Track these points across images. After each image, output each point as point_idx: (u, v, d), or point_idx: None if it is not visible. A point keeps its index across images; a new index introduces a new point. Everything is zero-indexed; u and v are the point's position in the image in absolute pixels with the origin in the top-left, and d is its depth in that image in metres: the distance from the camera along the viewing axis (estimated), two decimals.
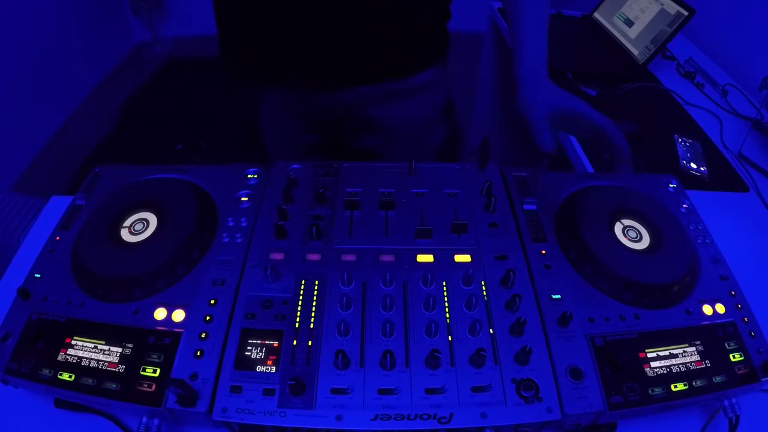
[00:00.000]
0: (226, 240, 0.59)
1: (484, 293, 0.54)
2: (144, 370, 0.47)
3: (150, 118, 2.44)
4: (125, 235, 0.57)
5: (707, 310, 0.54)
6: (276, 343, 0.49)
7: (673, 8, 1.18)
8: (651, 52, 1.21)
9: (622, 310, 0.53)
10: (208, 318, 0.51)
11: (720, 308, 0.55)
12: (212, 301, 0.52)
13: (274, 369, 0.47)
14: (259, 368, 0.47)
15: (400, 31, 0.75)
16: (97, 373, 0.47)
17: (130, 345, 0.48)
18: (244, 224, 0.60)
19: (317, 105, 0.83)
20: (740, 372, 0.50)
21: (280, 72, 0.79)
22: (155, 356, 0.48)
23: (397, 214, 0.62)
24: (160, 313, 0.51)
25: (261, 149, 0.98)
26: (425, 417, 0.45)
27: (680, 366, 0.50)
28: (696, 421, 0.53)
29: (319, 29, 0.71)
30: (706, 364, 0.50)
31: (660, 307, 0.54)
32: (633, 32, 1.28)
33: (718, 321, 0.54)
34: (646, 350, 0.50)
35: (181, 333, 0.50)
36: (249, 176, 0.67)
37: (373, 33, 0.73)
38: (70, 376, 0.47)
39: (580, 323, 0.52)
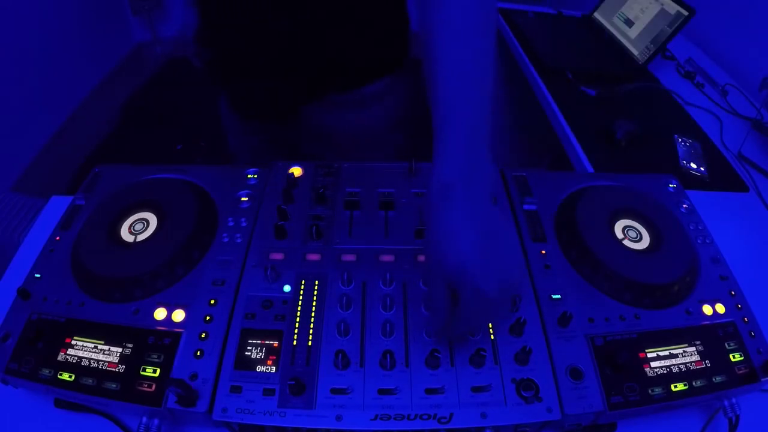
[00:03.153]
0: (226, 240, 0.59)
1: None
2: (144, 370, 0.47)
3: (150, 118, 2.44)
4: (125, 235, 0.57)
5: (707, 310, 0.54)
6: (276, 343, 0.49)
7: (673, 8, 1.18)
8: (651, 52, 1.21)
9: (622, 310, 0.53)
10: (208, 318, 0.51)
11: (720, 308, 0.55)
12: (212, 301, 0.52)
13: (274, 369, 0.47)
14: (259, 368, 0.47)
15: (343, 50, 0.70)
16: (97, 373, 0.47)
17: (130, 345, 0.48)
18: (244, 224, 0.60)
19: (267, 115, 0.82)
20: (740, 372, 0.50)
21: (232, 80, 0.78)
22: (155, 356, 0.48)
23: (397, 214, 0.62)
24: (160, 313, 0.51)
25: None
26: (425, 417, 0.45)
27: (680, 366, 0.50)
28: (696, 421, 0.53)
29: (263, 49, 0.70)
30: (706, 364, 0.50)
31: (660, 307, 0.54)
32: (633, 32, 1.28)
33: (718, 321, 0.54)
34: (646, 350, 0.50)
35: (181, 333, 0.50)
36: (249, 176, 0.67)
37: (315, 54, 0.70)
38: (70, 376, 0.47)
39: (580, 323, 0.52)
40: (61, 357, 0.48)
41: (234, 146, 0.96)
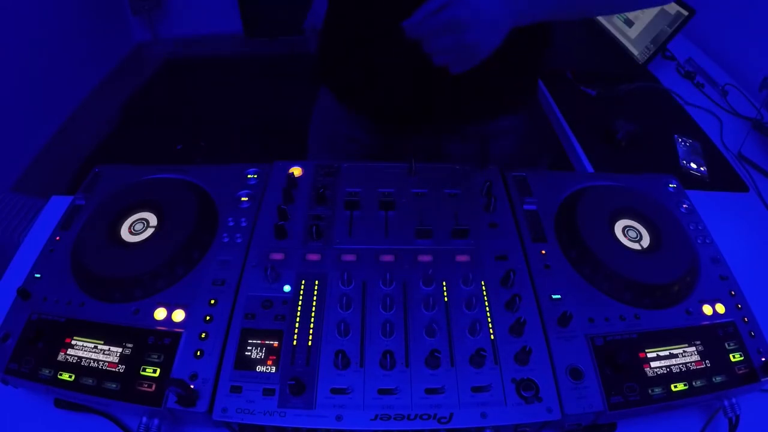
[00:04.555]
0: (226, 240, 0.59)
1: (484, 293, 0.54)
2: (144, 370, 0.47)
3: (150, 118, 2.44)
4: (125, 235, 0.57)
5: (707, 310, 0.54)
6: (276, 343, 0.49)
7: (673, 8, 1.18)
8: (651, 52, 1.21)
9: (622, 310, 0.53)
10: (208, 318, 0.51)
11: (720, 308, 0.55)
12: (212, 301, 0.52)
13: (274, 369, 0.47)
14: (259, 368, 0.47)
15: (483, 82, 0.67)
16: (97, 373, 0.47)
17: (130, 345, 0.48)
18: (244, 224, 0.60)
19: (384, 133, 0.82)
20: (740, 372, 0.50)
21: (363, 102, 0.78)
22: (155, 356, 0.48)
23: (397, 214, 0.62)
24: (160, 313, 0.51)
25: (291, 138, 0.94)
26: (425, 417, 0.45)
27: (680, 366, 0.50)
28: (696, 421, 0.53)
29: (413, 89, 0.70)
30: (706, 364, 0.50)
31: (660, 307, 0.54)
32: (633, 32, 1.28)
33: (718, 321, 0.54)
34: (646, 350, 0.50)
35: (181, 333, 0.50)
36: (249, 176, 0.67)
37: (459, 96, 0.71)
38: (70, 376, 0.47)
39: (580, 323, 0.52)
40: (61, 357, 0.48)
41: (317, 143, 0.92)
